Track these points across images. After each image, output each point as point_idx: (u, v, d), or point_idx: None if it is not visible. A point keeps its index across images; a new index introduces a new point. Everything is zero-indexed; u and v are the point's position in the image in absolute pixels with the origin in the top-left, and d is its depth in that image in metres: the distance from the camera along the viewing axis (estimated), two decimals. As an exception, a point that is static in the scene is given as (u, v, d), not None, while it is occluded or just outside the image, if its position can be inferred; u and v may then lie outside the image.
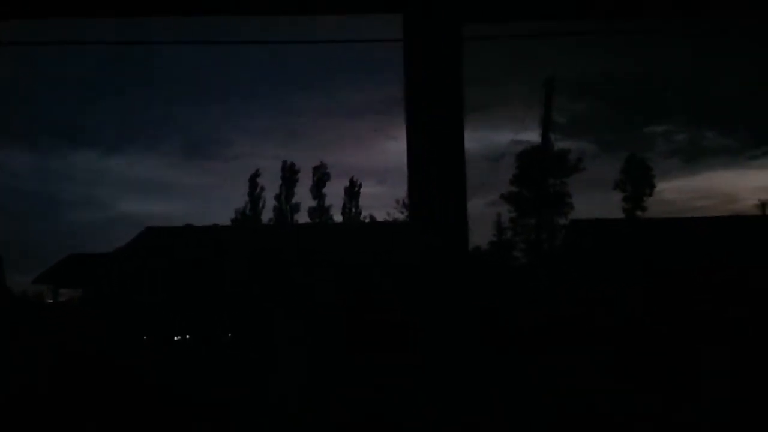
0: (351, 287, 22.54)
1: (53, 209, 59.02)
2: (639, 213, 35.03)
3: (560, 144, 35.08)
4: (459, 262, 6.02)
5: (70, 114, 62.12)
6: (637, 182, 35.34)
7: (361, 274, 23.96)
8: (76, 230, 54.06)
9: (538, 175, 32.56)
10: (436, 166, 6.13)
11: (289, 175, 46.97)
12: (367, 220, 44.06)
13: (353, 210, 46.63)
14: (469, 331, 6.70)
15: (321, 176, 46.96)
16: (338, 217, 47.27)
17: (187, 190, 63.40)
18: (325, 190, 47.68)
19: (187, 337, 23.72)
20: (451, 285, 6.35)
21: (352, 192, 47.53)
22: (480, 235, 37.05)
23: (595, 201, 53.93)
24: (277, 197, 46.90)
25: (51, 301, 30.24)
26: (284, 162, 47.61)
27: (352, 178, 47.61)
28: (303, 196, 47.64)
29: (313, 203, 46.84)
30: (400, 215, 40.51)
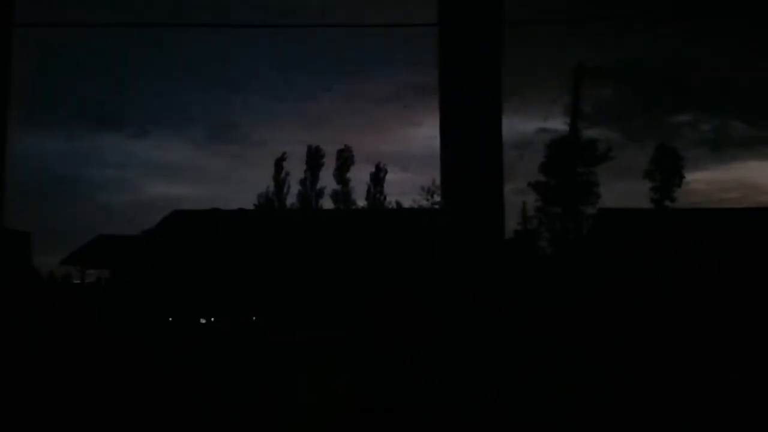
0: (378, 274, 22.54)
1: (82, 191, 59.69)
2: (667, 203, 34.56)
3: (585, 132, 34.67)
4: (494, 250, 5.94)
5: (98, 98, 62.43)
6: (666, 172, 34.84)
7: (390, 261, 23.94)
8: (104, 212, 54.70)
9: (567, 164, 32.15)
10: (471, 155, 6.03)
11: (314, 159, 46.93)
12: (393, 206, 43.98)
13: (378, 196, 46.55)
14: (500, 316, 6.62)
15: (345, 160, 46.76)
16: (362, 202, 47.30)
17: (213, 173, 63.67)
18: (348, 175, 47.71)
19: (212, 319, 23.92)
20: (485, 271, 6.29)
21: (378, 178, 47.41)
22: (507, 223, 36.68)
23: (620, 190, 53.36)
24: (302, 182, 46.92)
25: (78, 281, 30.65)
26: (309, 146, 47.61)
27: (378, 163, 47.44)
28: (327, 180, 47.73)
29: (336, 187, 46.91)
30: (425, 202, 40.35)
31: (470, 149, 6.12)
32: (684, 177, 34.85)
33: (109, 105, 62.89)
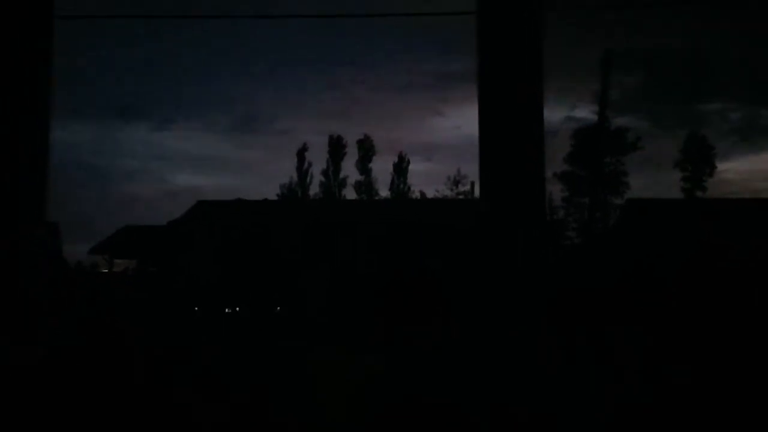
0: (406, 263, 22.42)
1: (109, 182, 60.28)
2: (699, 193, 33.90)
3: (613, 121, 34.12)
4: (536, 241, 5.75)
5: (124, 89, 62.86)
6: (697, 162, 34.17)
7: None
8: (130, 202, 55.25)
9: (594, 154, 31.69)
10: (512, 144, 5.83)
11: (336, 149, 46.80)
12: (417, 197, 43.77)
13: (401, 186, 46.36)
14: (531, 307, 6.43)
15: (366, 151, 46.63)
16: (384, 192, 47.13)
17: (237, 164, 63.95)
18: (371, 165, 47.53)
19: (237, 309, 24.00)
20: (524, 264, 6.10)
21: (401, 168, 47.19)
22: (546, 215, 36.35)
23: (650, 180, 52.57)
24: (324, 172, 46.85)
25: (106, 270, 30.94)
26: (331, 136, 47.56)
27: (401, 153, 47.22)
28: (349, 170, 47.57)
29: (359, 177, 46.76)
30: (449, 192, 40.08)
31: (510, 138, 5.91)
32: (715, 167, 34.23)
33: (135, 96, 63.42)
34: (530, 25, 5.93)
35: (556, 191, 33.17)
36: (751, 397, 6.98)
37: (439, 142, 59.39)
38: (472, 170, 38.26)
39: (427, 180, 75.49)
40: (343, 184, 46.16)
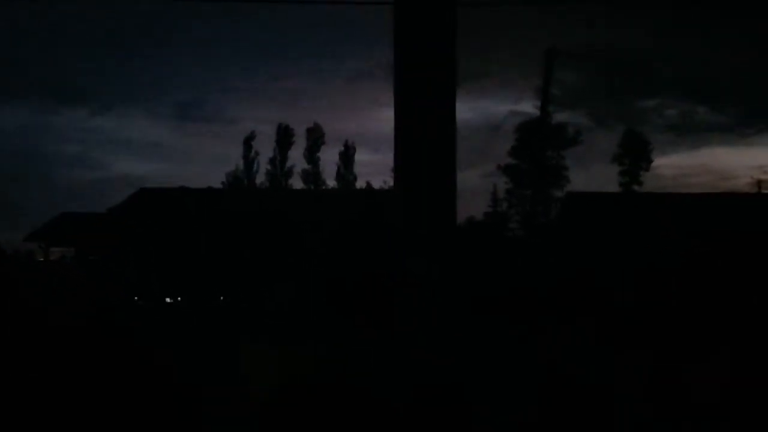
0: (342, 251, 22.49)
1: (45, 168, 58.38)
2: (635, 187, 34.99)
3: (555, 116, 34.92)
4: (446, 232, 5.90)
5: (61, 72, 60.92)
6: (634, 157, 35.24)
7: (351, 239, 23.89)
8: (68, 190, 53.68)
9: (537, 148, 32.37)
10: (426, 135, 5.96)
11: (284, 138, 46.45)
12: (363, 187, 43.81)
13: (348, 176, 46.30)
14: (452, 298, 6.62)
15: (316, 139, 46.37)
16: (332, 182, 47.04)
17: (181, 152, 62.74)
18: (319, 155, 47.31)
19: (179, 299, 23.69)
20: (437, 253, 6.24)
21: (347, 156, 47.11)
22: (475, 206, 37.00)
23: (589, 174, 53.93)
24: (272, 161, 46.45)
25: (42, 259, 30.11)
26: (279, 125, 47.14)
27: (347, 141, 47.16)
28: (296, 159, 47.27)
29: (306, 167, 46.54)
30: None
31: (422, 133, 6.05)
32: (652, 161, 35.33)
33: (72, 80, 61.51)
34: (442, 21, 6.06)
35: (500, 183, 33.77)
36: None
37: (386, 133, 59.44)
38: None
39: (376, 170, 75.65)
40: (289, 173, 45.82)
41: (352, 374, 6.88)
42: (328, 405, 6.29)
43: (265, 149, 45.71)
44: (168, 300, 23.47)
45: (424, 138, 6.34)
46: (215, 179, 44.31)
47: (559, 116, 34.35)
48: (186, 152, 60.43)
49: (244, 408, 6.55)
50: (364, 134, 71.20)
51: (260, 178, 44.97)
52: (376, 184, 42.64)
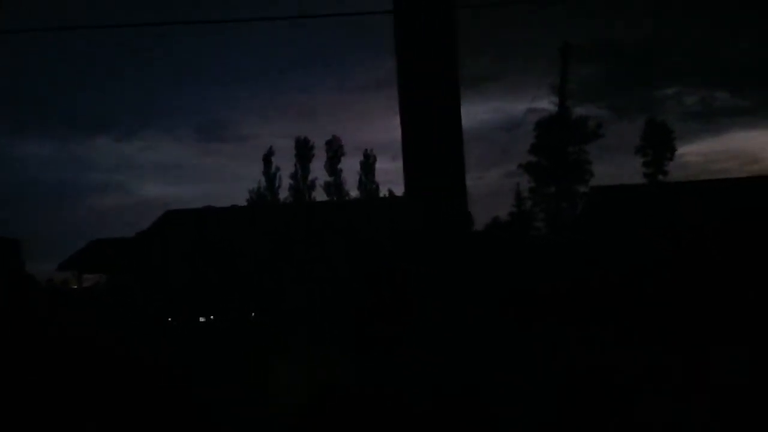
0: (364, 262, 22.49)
1: (75, 196, 59.44)
2: (660, 177, 34.45)
3: (574, 110, 34.60)
4: (459, 235, 5.89)
5: (84, 102, 62.00)
6: (657, 147, 34.74)
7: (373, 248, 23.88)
8: (97, 216, 54.53)
9: (557, 144, 32.08)
10: (431, 139, 5.97)
11: (304, 151, 46.55)
12: (385, 195, 43.75)
13: (370, 185, 46.22)
14: (469, 300, 6.59)
15: (335, 151, 46.38)
16: (354, 192, 46.94)
17: (204, 172, 63.36)
18: (340, 166, 47.31)
19: (211, 317, 23.90)
20: (452, 257, 6.24)
21: (368, 165, 47.06)
22: (501, 206, 36.76)
23: (613, 167, 53.22)
24: (293, 175, 46.55)
25: (75, 286, 30.62)
26: (297, 138, 47.31)
27: (366, 150, 47.11)
28: (318, 172, 47.33)
29: (328, 179, 46.52)
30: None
31: (429, 137, 6.06)
32: (676, 150, 34.82)
33: (96, 108, 62.71)
34: (442, 25, 6.08)
35: (523, 182, 33.52)
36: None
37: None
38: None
39: (397, 178, 75.56)
40: (312, 186, 45.98)
41: (373, 379, 6.91)
42: (353, 409, 6.33)
43: (286, 164, 45.98)
44: (201, 319, 23.72)
45: (430, 145, 6.37)
46: (240, 197, 44.66)
47: (579, 110, 34.09)
48: (211, 172, 61.05)
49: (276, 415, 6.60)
50: (382, 143, 71.33)
51: (283, 193, 45.22)
52: (398, 192, 42.65)
